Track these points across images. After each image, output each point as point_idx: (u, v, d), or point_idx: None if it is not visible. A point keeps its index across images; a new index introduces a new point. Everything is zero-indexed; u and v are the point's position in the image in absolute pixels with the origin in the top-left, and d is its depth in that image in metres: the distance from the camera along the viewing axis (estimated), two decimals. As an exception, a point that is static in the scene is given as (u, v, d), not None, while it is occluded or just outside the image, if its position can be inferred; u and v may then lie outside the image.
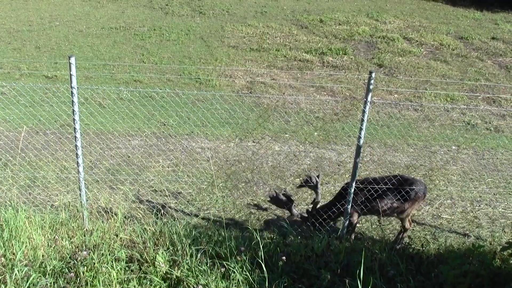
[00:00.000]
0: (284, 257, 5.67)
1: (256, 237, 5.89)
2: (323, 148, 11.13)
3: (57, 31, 18.30)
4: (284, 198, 7.87)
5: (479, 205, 9.35)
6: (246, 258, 5.64)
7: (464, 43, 18.98)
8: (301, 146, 11.18)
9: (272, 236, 6.91)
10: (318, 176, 7.92)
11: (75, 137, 6.90)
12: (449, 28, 20.67)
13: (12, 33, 17.88)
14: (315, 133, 11.77)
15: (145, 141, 10.93)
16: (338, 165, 10.48)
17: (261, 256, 5.64)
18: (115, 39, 17.53)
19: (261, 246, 5.77)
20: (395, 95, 14.34)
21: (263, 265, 5.56)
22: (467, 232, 8.52)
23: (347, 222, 7.51)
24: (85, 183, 7.27)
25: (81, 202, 7.13)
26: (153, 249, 5.90)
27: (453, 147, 11.55)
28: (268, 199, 8.05)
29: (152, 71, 14.79)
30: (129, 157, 10.27)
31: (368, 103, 6.88)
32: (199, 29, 19.09)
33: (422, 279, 5.93)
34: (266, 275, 5.51)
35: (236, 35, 18.52)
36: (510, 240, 6.42)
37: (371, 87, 6.79)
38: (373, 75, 6.75)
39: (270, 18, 20.87)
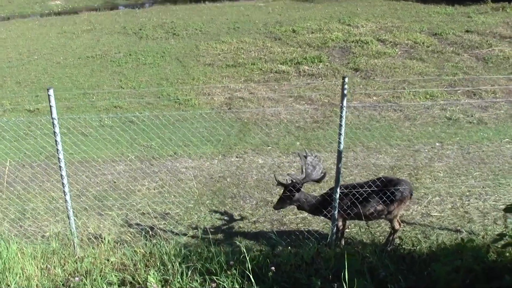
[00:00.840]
0: (273, 268, 5.70)
1: (245, 251, 5.92)
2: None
3: (35, 65, 18.33)
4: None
5: (469, 200, 9.35)
6: (236, 272, 5.68)
7: (438, 39, 19.24)
8: (284, 157, 11.24)
9: (261, 248, 6.95)
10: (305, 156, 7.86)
11: (60, 166, 6.94)
12: (422, 26, 20.94)
13: (-8, 71, 17.92)
14: (297, 143, 11.85)
15: (130, 166, 10.96)
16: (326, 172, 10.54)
17: (249, 268, 5.67)
18: (93, 68, 17.57)
19: (247, 258, 5.80)
20: (374, 98, 14.48)
21: (252, 277, 5.59)
22: (459, 228, 8.48)
23: (335, 228, 7.57)
24: (73, 212, 7.29)
25: (70, 230, 7.15)
26: (144, 270, 5.93)
27: (437, 144, 11.67)
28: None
29: (131, 96, 14.84)
30: (115, 182, 10.29)
31: (344, 108, 6.95)
32: (174, 50, 19.19)
33: (414, 278, 5.96)
34: (255, 287, 5.54)
35: (211, 53, 18.64)
36: (503, 231, 6.44)
37: (345, 92, 6.87)
38: (346, 80, 6.83)
39: (243, 33, 21.03)
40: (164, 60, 18.04)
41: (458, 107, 13.47)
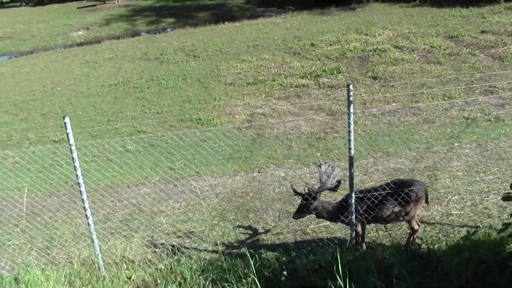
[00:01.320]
0: (285, 272, 5.86)
1: (259, 259, 6.10)
2: (327, 167, 11.32)
3: (59, 96, 18.80)
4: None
5: (488, 196, 9.40)
6: (251, 280, 5.85)
7: (454, 42, 19.26)
8: (305, 168, 11.39)
9: (280, 256, 7.11)
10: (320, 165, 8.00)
11: (80, 191, 7.21)
12: (438, 30, 20.98)
13: (18, 105, 18.37)
14: (318, 154, 11.99)
15: (154, 188, 11.21)
16: (344, 181, 10.63)
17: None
18: (116, 95, 17.97)
19: (261, 266, 5.97)
20: (393, 104, 14.56)
21: (269, 284, 5.75)
22: (478, 224, 8.56)
23: (354, 233, 7.69)
24: (99, 236, 7.56)
25: (95, 252, 7.40)
26: (165, 286, 6.14)
27: (455, 144, 11.71)
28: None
29: (154, 120, 15.15)
30: (140, 205, 10.54)
31: (352, 115, 7.12)
32: (195, 72, 19.51)
33: (429, 274, 6.07)
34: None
35: (231, 72, 18.90)
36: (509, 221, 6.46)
37: (351, 99, 7.04)
38: (351, 87, 7.02)
39: (263, 50, 21.27)
40: (185, 83, 18.38)
41: (475, 107, 13.49)
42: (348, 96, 7.03)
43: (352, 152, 7.31)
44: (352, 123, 7.17)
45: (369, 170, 10.94)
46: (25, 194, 10.04)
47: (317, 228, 9.05)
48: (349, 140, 7.25)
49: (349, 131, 7.20)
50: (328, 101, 15.19)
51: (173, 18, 33.37)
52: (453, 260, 5.62)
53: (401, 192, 7.58)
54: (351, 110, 7.11)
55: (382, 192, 7.62)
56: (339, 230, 8.84)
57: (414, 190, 7.60)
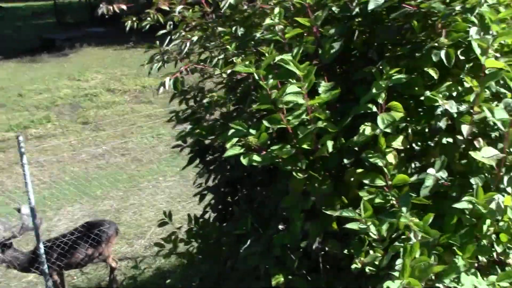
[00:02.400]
0: None
1: None
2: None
3: None
4: None
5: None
6: None
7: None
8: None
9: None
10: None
11: None
12: (149, 70, 21.68)
13: None
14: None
15: None
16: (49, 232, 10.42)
17: None
18: None
19: None
20: (103, 147, 14.69)
21: None
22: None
23: (49, 282, 7.60)
24: None
25: None
26: None
27: (160, 178, 12.23)
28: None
29: None
30: None
31: (26, 166, 7.09)
32: None
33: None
34: None
35: None
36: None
37: (22, 150, 7.03)
38: (21, 138, 7.00)
39: (-36, 109, 19.98)
40: None
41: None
42: (19, 147, 7.03)
43: (33, 202, 7.25)
44: (27, 174, 7.15)
45: (75, 217, 10.88)
46: None
47: (19, 284, 8.77)
48: (28, 191, 7.19)
49: (26, 182, 7.16)
50: (36, 153, 14.79)
51: None
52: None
53: (91, 233, 7.71)
54: (25, 161, 7.09)
55: (71, 237, 7.66)
56: (41, 283, 8.66)
57: (104, 230, 7.78)
